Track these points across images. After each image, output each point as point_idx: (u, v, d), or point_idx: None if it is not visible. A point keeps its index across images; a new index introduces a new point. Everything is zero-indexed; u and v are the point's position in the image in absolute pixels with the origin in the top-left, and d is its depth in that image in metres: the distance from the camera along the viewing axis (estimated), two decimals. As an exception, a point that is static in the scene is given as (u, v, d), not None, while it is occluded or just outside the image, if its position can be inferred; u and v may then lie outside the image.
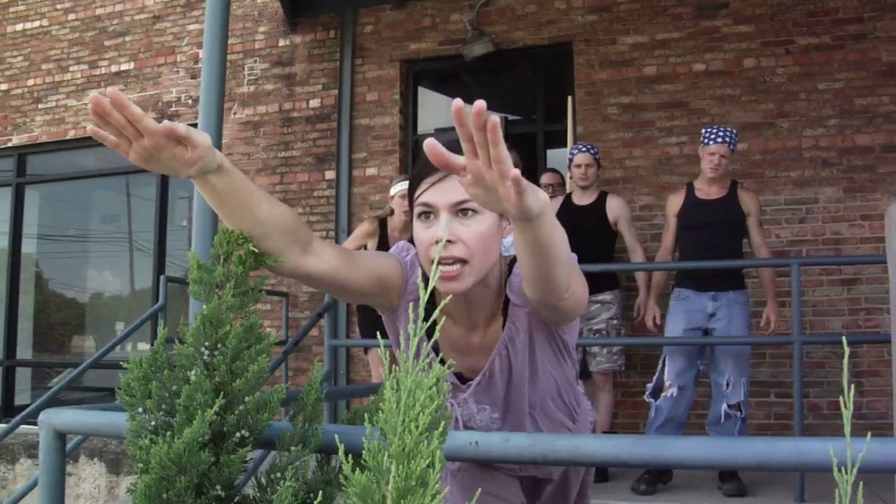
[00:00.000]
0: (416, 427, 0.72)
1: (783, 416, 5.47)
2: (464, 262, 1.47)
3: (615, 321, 4.85)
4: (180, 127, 1.17)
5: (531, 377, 1.68)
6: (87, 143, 7.53)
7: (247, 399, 1.17)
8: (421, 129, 6.71)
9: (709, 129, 4.45)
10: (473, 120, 0.98)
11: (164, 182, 7.30)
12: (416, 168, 1.56)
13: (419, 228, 1.53)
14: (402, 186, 4.95)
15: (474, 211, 1.48)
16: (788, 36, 5.77)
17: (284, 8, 6.66)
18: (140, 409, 1.23)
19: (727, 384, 4.30)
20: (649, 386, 4.48)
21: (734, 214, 4.48)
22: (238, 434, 1.17)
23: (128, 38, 7.40)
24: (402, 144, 6.49)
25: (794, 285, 4.18)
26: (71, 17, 7.67)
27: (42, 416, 1.58)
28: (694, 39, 5.91)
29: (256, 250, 1.30)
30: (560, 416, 1.81)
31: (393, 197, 4.97)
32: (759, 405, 5.50)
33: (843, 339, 0.89)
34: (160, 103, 7.17)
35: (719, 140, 4.37)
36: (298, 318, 6.46)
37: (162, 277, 5.06)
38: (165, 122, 1.16)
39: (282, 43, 6.86)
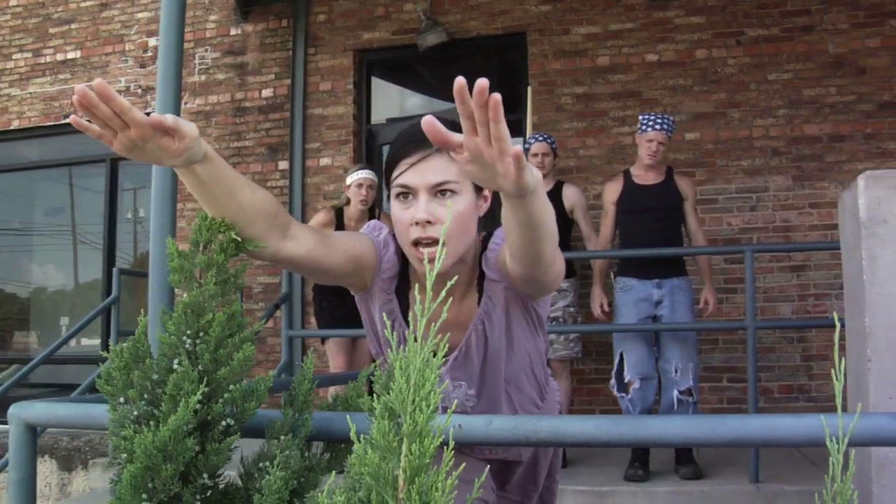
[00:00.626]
0: (427, 406, 0.72)
1: (736, 401, 5.58)
2: (439, 242, 1.48)
3: (572, 308, 4.89)
4: (168, 118, 1.16)
5: (507, 351, 1.69)
6: (31, 133, 7.35)
7: (232, 387, 1.15)
8: (374, 118, 6.68)
9: (646, 116, 4.50)
10: (476, 97, 0.99)
11: (112, 173, 7.16)
12: (395, 149, 1.56)
13: (397, 208, 1.54)
14: (358, 176, 4.93)
15: (453, 192, 1.51)
16: (739, 27, 5.87)
17: (236, -4, 6.56)
18: (122, 399, 1.21)
19: (675, 370, 4.36)
20: (612, 381, 4.52)
21: (673, 199, 4.54)
22: (224, 422, 1.15)
23: (74, 26, 7.21)
24: (356, 134, 6.45)
25: (748, 272, 4.26)
26: (13, 2, 7.45)
27: (12, 410, 1.54)
28: (646, 30, 5.97)
29: (238, 238, 1.29)
30: (531, 392, 1.82)
31: (349, 186, 4.95)
32: (712, 390, 5.61)
33: (837, 320, 0.92)
34: (108, 92, 7.01)
35: (657, 127, 4.41)
36: (253, 310, 6.39)
37: (115, 270, 4.97)
38: (153, 113, 1.15)
39: (233, 32, 6.76)
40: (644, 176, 4.57)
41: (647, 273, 4.49)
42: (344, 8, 6.54)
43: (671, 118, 4.52)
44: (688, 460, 4.26)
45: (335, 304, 4.85)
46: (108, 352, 1.25)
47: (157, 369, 1.20)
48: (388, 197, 1.60)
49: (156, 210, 3.23)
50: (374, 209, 5.20)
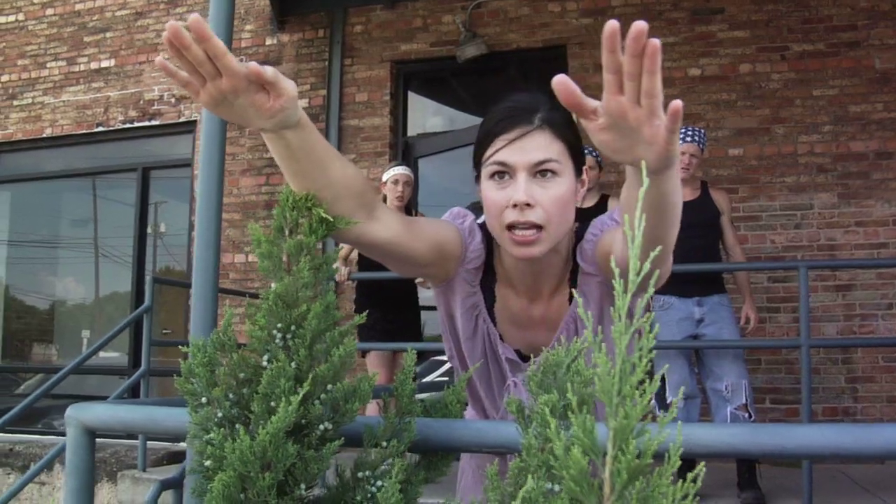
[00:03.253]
0: (641, 396, 0.60)
1: (778, 422, 5.40)
2: (539, 227, 1.36)
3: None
4: (268, 70, 1.03)
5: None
6: (63, 142, 7.33)
7: (330, 387, 1.05)
8: (411, 131, 6.60)
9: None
10: (631, 44, 0.87)
11: (144, 183, 7.11)
12: (490, 124, 1.42)
13: (491, 189, 1.40)
14: (395, 172, 4.84)
15: (554, 172, 1.37)
16: (784, 42, 5.76)
17: (272, 6, 6.52)
18: (203, 400, 1.10)
19: (726, 388, 4.21)
20: (653, 402, 4.37)
21: (711, 215, 4.41)
22: (321, 426, 1.04)
23: (108, 35, 7.20)
24: (392, 146, 6.37)
25: (803, 289, 4.12)
26: (49, 11, 7.46)
27: (70, 412, 1.44)
28: (689, 44, 5.87)
29: (328, 217, 1.18)
30: None
31: (385, 183, 4.86)
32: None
33: None
34: (142, 101, 6.99)
35: (689, 139, 4.29)
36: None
37: (148, 278, 4.88)
38: (251, 62, 1.03)
39: (269, 42, 6.72)
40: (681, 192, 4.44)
41: (687, 291, 4.34)
42: (381, 19, 6.49)
43: (702, 130, 4.39)
44: (751, 484, 4.08)
45: (376, 318, 4.74)
46: (186, 346, 1.15)
47: (244, 366, 1.10)
48: (477, 178, 1.47)
49: (202, 209, 3.14)
50: (410, 209, 5.11)
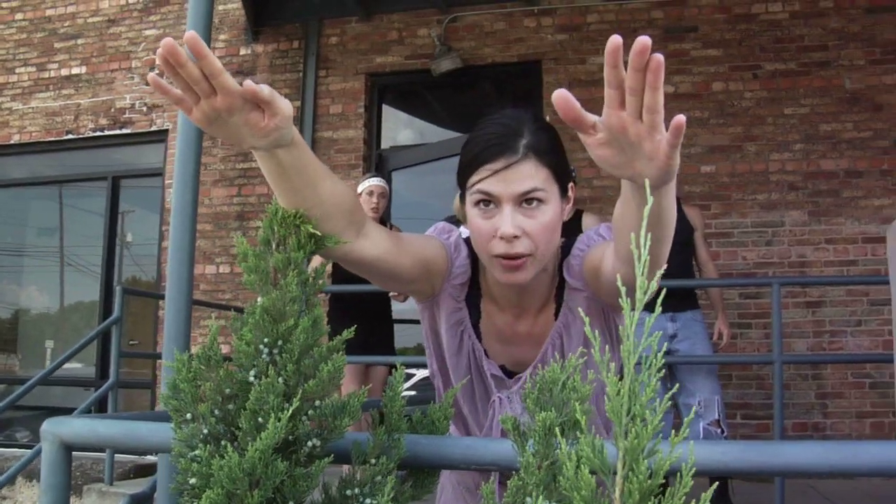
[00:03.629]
0: (652, 414, 0.59)
1: (749, 438, 5.44)
2: (527, 255, 1.36)
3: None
4: (264, 89, 1.01)
5: (583, 371, 1.55)
6: (31, 149, 7.22)
7: (321, 403, 1.03)
8: (385, 143, 6.58)
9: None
10: (634, 59, 0.85)
11: (114, 192, 7.02)
12: (475, 151, 1.40)
13: (477, 216, 1.39)
14: (369, 183, 4.82)
15: (540, 200, 1.36)
16: (756, 61, 5.84)
17: (247, 16, 6.49)
18: (189, 416, 1.07)
19: (699, 404, 4.23)
20: None
21: (684, 231, 4.44)
22: (309, 443, 1.02)
23: (80, 42, 7.12)
24: (366, 159, 6.35)
25: (775, 305, 4.16)
26: (18, 16, 7.36)
27: (46, 426, 1.39)
28: (663, 61, 5.91)
29: (317, 233, 1.16)
30: (600, 425, 1.68)
31: (360, 194, 4.84)
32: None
33: None
34: (113, 109, 6.91)
35: None
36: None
37: (118, 288, 4.81)
38: (247, 81, 1.01)
39: (243, 52, 6.67)
40: None
41: (654, 306, 4.35)
42: (356, 31, 6.48)
43: None
44: (724, 499, 4.09)
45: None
46: (160, 359, 1.12)
47: (230, 382, 1.07)
48: (461, 197, 1.46)
49: (176, 221, 3.10)
50: (385, 221, 5.09)
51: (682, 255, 4.44)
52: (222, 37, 6.73)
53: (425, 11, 6.29)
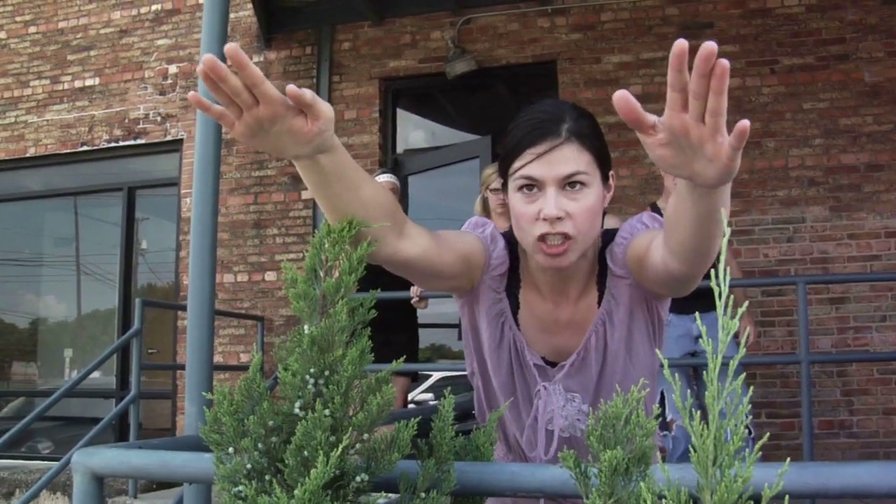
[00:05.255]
0: (739, 480, 0.56)
1: (775, 437, 5.38)
2: (569, 237, 1.36)
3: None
4: (306, 92, 1.00)
5: (625, 361, 1.54)
6: (46, 161, 7.23)
7: (370, 436, 1.00)
8: (400, 148, 6.56)
9: None
10: (700, 65, 0.85)
11: (130, 202, 7.02)
12: (517, 137, 1.41)
13: (520, 201, 1.40)
14: (382, 179, 4.77)
15: (582, 184, 1.37)
16: (773, 56, 5.77)
17: (259, 23, 6.46)
18: (231, 450, 1.05)
19: (725, 405, 4.17)
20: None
21: None
22: (358, 478, 0.99)
23: (92, 53, 7.12)
24: (382, 164, 6.32)
25: (801, 304, 4.11)
26: (32, 29, 7.37)
27: (77, 458, 1.37)
28: (679, 58, 5.86)
29: (372, 246, 1.13)
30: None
31: None
32: (754, 427, 5.43)
33: None
34: (127, 120, 6.90)
35: None
36: (274, 343, 6.22)
37: (137, 300, 4.80)
38: (290, 86, 0.99)
39: (256, 59, 6.65)
40: None
41: (685, 308, 4.30)
42: (369, 36, 6.45)
43: None
44: None
45: (381, 341, 4.66)
46: (211, 393, 1.09)
47: (274, 414, 1.04)
48: (503, 186, 1.47)
49: (196, 233, 3.08)
50: None
51: None
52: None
53: (438, 14, 6.26)
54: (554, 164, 1.37)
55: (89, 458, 1.37)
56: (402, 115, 6.64)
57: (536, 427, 1.58)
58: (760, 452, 0.60)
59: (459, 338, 4.84)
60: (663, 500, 0.64)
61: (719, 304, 0.61)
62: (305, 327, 1.07)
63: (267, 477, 1.03)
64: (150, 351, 6.85)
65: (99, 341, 7.48)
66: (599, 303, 1.52)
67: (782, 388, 5.45)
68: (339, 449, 0.92)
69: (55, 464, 4.68)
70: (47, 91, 7.21)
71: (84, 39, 7.18)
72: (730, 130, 0.92)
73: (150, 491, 5.30)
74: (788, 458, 0.73)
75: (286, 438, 1.03)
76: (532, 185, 1.38)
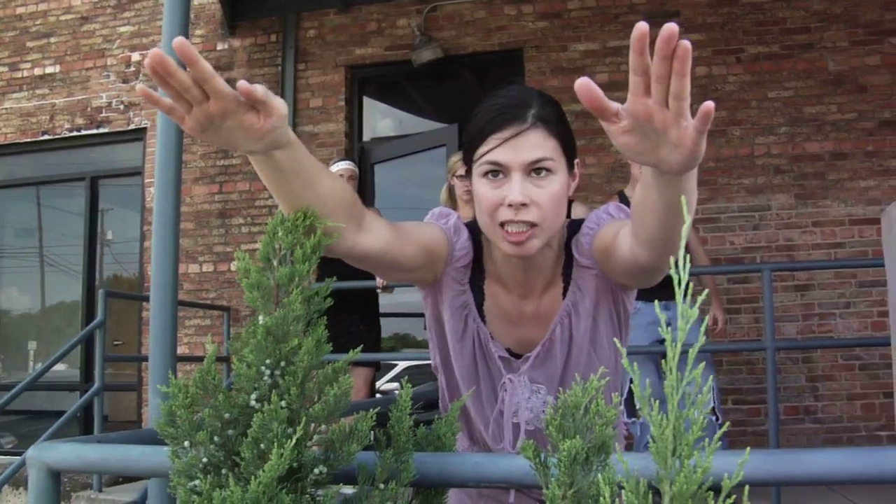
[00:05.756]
0: (698, 469, 0.54)
1: (741, 423, 5.44)
2: (534, 225, 1.34)
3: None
4: (258, 88, 0.96)
5: (589, 352, 1.53)
6: (6, 150, 7.09)
7: (328, 427, 0.97)
8: (366, 136, 6.51)
9: None
10: (661, 47, 0.83)
11: (93, 193, 6.91)
12: (482, 122, 1.39)
13: (484, 187, 1.37)
14: (338, 167, 4.75)
15: (548, 170, 1.35)
16: (739, 45, 5.80)
17: (224, 10, 6.37)
18: (187, 443, 1.02)
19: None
20: (621, 408, 4.35)
21: None
22: (316, 470, 0.97)
23: (53, 40, 6.98)
24: (348, 152, 6.27)
25: (766, 292, 4.14)
26: (-12, 15, 7.21)
27: (32, 452, 1.33)
28: (645, 47, 5.87)
29: (327, 239, 1.11)
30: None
31: None
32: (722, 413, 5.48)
33: None
34: (89, 108, 6.78)
35: None
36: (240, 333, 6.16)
37: (101, 292, 4.73)
38: (241, 82, 0.96)
39: (220, 47, 6.57)
40: None
41: (653, 295, 4.31)
42: (335, 23, 6.39)
43: None
44: None
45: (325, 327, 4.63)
46: (169, 386, 1.06)
47: (230, 406, 1.02)
48: (467, 172, 1.45)
49: (158, 224, 3.03)
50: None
51: None
52: (198, 32, 6.61)
53: (404, 2, 6.22)
54: (519, 149, 1.34)
55: (44, 453, 1.33)
56: (368, 103, 6.59)
57: (502, 420, 1.57)
58: (720, 442, 0.59)
59: (426, 327, 4.85)
60: (623, 492, 0.63)
61: (678, 291, 0.60)
62: (260, 318, 1.04)
63: (223, 471, 1.00)
64: (115, 343, 6.76)
65: (64, 333, 7.37)
66: (564, 294, 1.50)
67: (748, 374, 5.50)
68: (294, 440, 0.90)
69: (18, 459, 4.60)
70: (5, 78, 7.06)
71: (43, 26, 7.03)
72: (694, 116, 0.90)
73: (117, 484, 5.24)
74: (749, 448, 0.72)
75: (243, 431, 1.01)
76: (497, 171, 1.36)
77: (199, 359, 6.12)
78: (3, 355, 7.64)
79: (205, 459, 1.01)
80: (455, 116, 6.17)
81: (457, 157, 4.55)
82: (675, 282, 0.63)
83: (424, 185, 6.43)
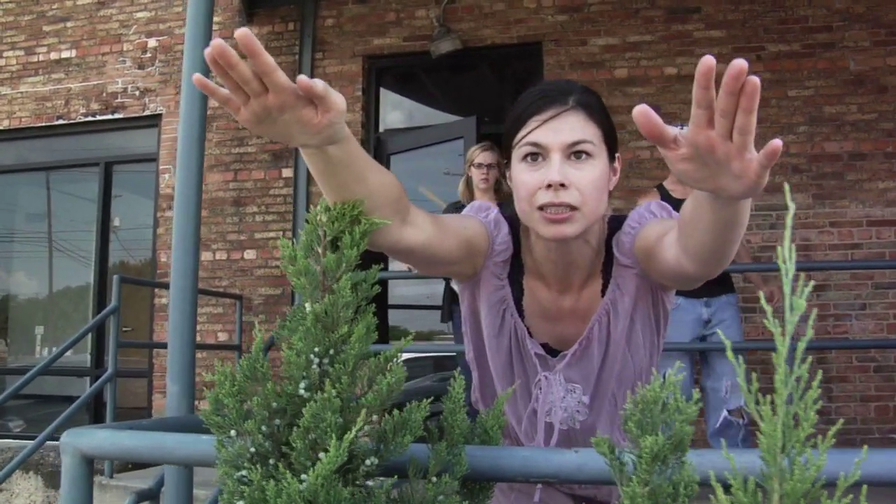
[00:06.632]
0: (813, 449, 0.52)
1: (753, 423, 5.40)
2: (574, 208, 1.31)
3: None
4: (318, 83, 0.94)
5: (624, 352, 1.51)
6: (21, 134, 7.08)
7: (382, 418, 0.95)
8: (383, 126, 6.49)
9: (677, 125, 4.34)
10: (729, 83, 0.81)
11: (107, 178, 6.90)
12: (522, 106, 1.38)
13: (523, 171, 1.36)
14: None
15: (588, 154, 1.33)
16: (760, 42, 5.76)
17: (241, -3, 6.35)
18: (233, 433, 1.00)
19: (725, 390, 4.17)
20: None
21: None
22: (368, 461, 0.95)
23: (69, 24, 6.96)
24: (364, 142, 6.25)
25: (787, 291, 4.09)
26: (5, -1, 7.20)
27: (66, 438, 1.31)
28: (665, 43, 5.84)
29: (382, 221, 1.09)
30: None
31: None
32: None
33: None
34: (105, 94, 6.77)
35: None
36: (252, 322, 6.15)
37: (115, 277, 4.71)
38: (301, 76, 0.93)
39: (237, 34, 6.53)
40: (682, 190, 4.37)
41: (695, 292, 4.29)
42: (353, 13, 6.35)
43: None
44: None
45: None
46: (213, 373, 1.04)
47: (277, 395, 0.99)
48: (507, 161, 1.42)
49: (180, 212, 3.01)
50: None
51: None
52: (216, 19, 6.55)
53: (423, -8, 6.19)
54: (560, 130, 1.33)
55: (79, 439, 1.32)
56: (385, 93, 6.56)
57: (535, 418, 1.55)
58: (834, 440, 0.57)
59: (443, 320, 4.83)
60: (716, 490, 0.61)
61: (786, 282, 0.57)
62: (307, 305, 1.02)
63: (271, 461, 0.98)
64: (124, 329, 6.75)
65: (70, 318, 7.37)
66: (603, 292, 1.48)
67: (762, 374, 5.44)
68: (354, 431, 0.87)
69: (27, 443, 4.60)
70: (21, 62, 7.04)
71: (60, 10, 7.01)
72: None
73: (126, 471, 5.23)
74: (866, 445, 0.70)
75: (291, 421, 0.99)
76: (536, 154, 1.34)
77: (211, 346, 6.11)
78: (9, 339, 7.64)
79: (252, 449, 0.99)
80: (472, 109, 6.15)
81: (475, 148, 4.53)
82: (783, 273, 0.61)
83: (442, 176, 6.41)
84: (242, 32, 0.87)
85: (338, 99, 0.98)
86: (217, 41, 0.88)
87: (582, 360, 1.51)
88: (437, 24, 6.06)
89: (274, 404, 1.00)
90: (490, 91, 6.72)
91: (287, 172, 6.26)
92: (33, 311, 7.66)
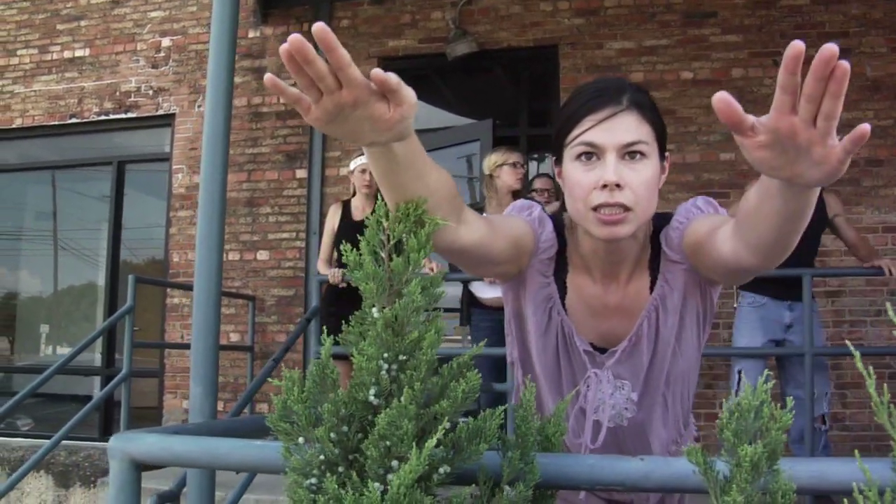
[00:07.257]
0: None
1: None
2: (628, 209, 1.31)
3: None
4: (392, 77, 0.93)
5: (673, 349, 1.50)
6: (34, 133, 7.07)
7: (453, 425, 0.94)
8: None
9: None
10: (818, 67, 0.80)
11: (119, 177, 6.89)
12: (576, 105, 1.37)
13: (577, 170, 1.35)
14: (360, 161, 4.71)
15: (643, 154, 1.33)
16: (776, 47, 5.74)
17: (256, -2, 6.34)
18: (301, 440, 0.98)
19: (810, 398, 4.14)
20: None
21: (818, 214, 4.34)
22: (441, 469, 0.93)
23: (83, 23, 6.96)
24: (378, 144, 6.23)
25: (806, 297, 4.09)
26: (19, -3, 7.20)
27: (114, 443, 1.30)
28: (682, 47, 5.83)
29: (444, 222, 1.08)
30: (679, 414, 1.60)
31: (353, 172, 4.77)
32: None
33: None
34: (118, 93, 6.76)
35: None
36: (265, 323, 6.14)
37: (130, 277, 4.70)
38: (375, 69, 0.92)
39: (252, 34, 6.53)
40: None
41: (782, 293, 4.26)
42: (368, 14, 6.35)
43: None
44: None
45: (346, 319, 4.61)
46: (277, 378, 1.03)
47: (345, 403, 0.98)
48: (557, 158, 1.42)
49: (204, 212, 3.00)
50: (377, 195, 5.02)
51: (810, 244, 4.32)
52: (230, 19, 6.58)
53: (439, -6, 6.18)
54: (615, 131, 1.33)
55: (128, 444, 1.31)
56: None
57: (583, 417, 1.54)
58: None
59: (461, 323, 4.80)
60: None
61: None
62: (374, 310, 1.01)
63: (340, 468, 0.97)
64: (134, 328, 6.74)
65: (75, 317, 7.37)
66: (651, 288, 1.48)
67: (776, 378, 5.44)
68: (434, 439, 0.86)
69: (36, 441, 4.59)
70: (35, 61, 7.04)
71: (74, 9, 7.01)
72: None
73: (144, 470, 5.21)
74: None
75: (360, 428, 0.97)
76: (591, 153, 1.34)
77: (224, 347, 6.09)
78: (11, 337, 7.63)
79: (321, 457, 0.97)
80: (487, 112, 6.13)
81: (496, 156, 4.53)
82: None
83: (456, 179, 6.38)
84: (319, 27, 0.85)
85: (410, 93, 0.96)
86: (295, 36, 0.86)
87: (632, 356, 1.50)
88: (452, 27, 6.06)
89: (343, 411, 0.99)
90: (505, 94, 6.70)
91: (301, 173, 6.25)
92: (38, 309, 7.65)
